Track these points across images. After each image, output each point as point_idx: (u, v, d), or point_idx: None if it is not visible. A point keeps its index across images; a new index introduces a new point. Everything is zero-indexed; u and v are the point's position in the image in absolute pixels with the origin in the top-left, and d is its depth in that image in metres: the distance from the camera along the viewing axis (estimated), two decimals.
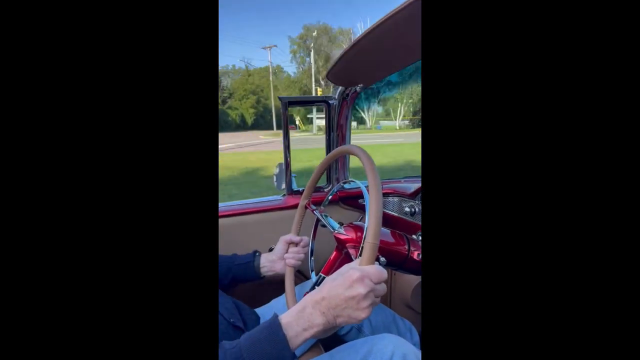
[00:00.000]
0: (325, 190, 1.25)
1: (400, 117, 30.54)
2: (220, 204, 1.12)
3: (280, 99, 1.11)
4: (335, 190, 1.09)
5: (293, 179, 1.20)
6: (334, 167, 1.22)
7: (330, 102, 1.14)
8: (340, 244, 0.69)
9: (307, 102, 1.16)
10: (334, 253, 0.71)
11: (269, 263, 0.82)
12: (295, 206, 1.13)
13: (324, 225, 0.80)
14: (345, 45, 0.70)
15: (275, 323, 0.46)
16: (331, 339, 0.79)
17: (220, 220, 1.06)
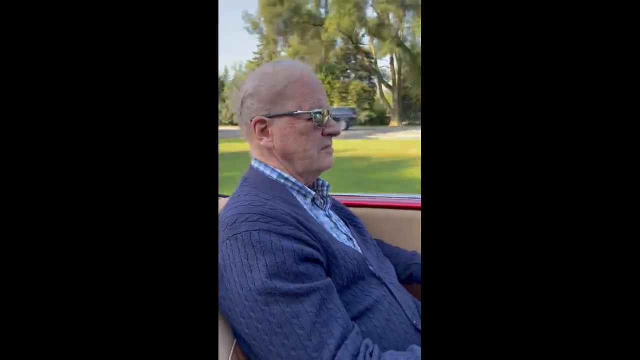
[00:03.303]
0: None
1: None
2: (402, 195, 0.99)
3: None
4: None
5: None
6: None
7: None
8: None
9: None
10: None
11: None
12: None
13: None
14: None
15: None
16: None
17: (403, 212, 0.96)
